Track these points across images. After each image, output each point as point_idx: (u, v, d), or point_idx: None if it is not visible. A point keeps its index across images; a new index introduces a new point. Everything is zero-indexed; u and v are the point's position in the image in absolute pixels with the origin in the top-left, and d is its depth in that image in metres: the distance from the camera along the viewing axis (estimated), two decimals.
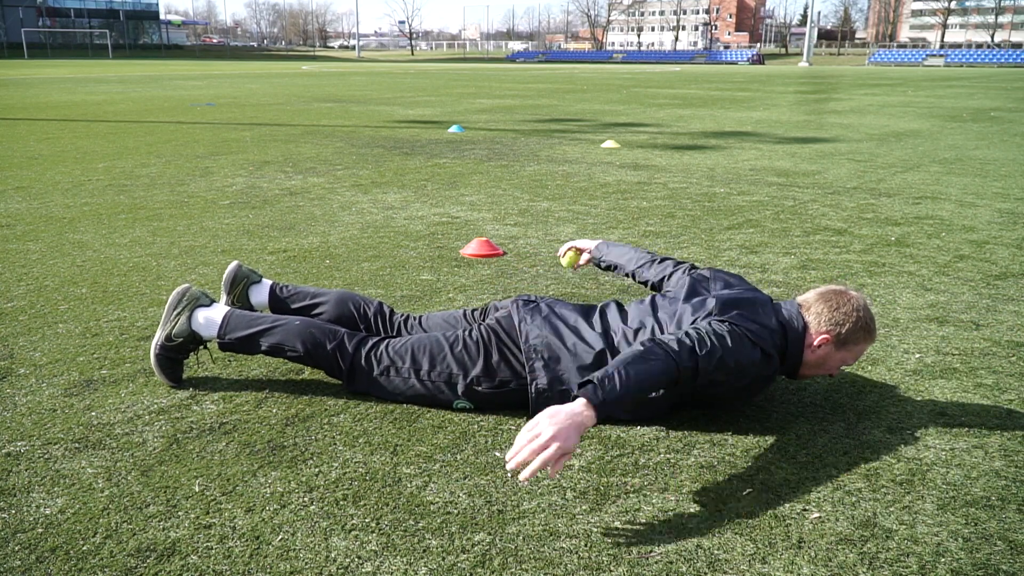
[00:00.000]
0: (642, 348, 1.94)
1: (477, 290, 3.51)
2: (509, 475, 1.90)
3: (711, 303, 2.22)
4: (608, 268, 2.81)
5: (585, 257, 2.87)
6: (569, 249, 2.91)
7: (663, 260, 2.66)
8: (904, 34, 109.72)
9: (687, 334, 2.03)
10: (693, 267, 2.58)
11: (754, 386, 2.22)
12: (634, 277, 2.71)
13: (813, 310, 2.25)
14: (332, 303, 2.64)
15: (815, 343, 2.22)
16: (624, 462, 2.05)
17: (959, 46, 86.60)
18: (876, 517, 1.83)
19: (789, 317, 2.25)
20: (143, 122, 11.03)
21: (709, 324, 2.09)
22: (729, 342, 2.03)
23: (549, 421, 1.73)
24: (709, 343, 2.01)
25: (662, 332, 2.22)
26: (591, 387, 1.81)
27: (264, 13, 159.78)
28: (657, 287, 2.61)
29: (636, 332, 2.26)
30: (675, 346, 1.96)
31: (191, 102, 15.02)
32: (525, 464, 1.71)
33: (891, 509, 1.86)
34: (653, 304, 2.35)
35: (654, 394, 1.98)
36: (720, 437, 2.19)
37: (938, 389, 2.51)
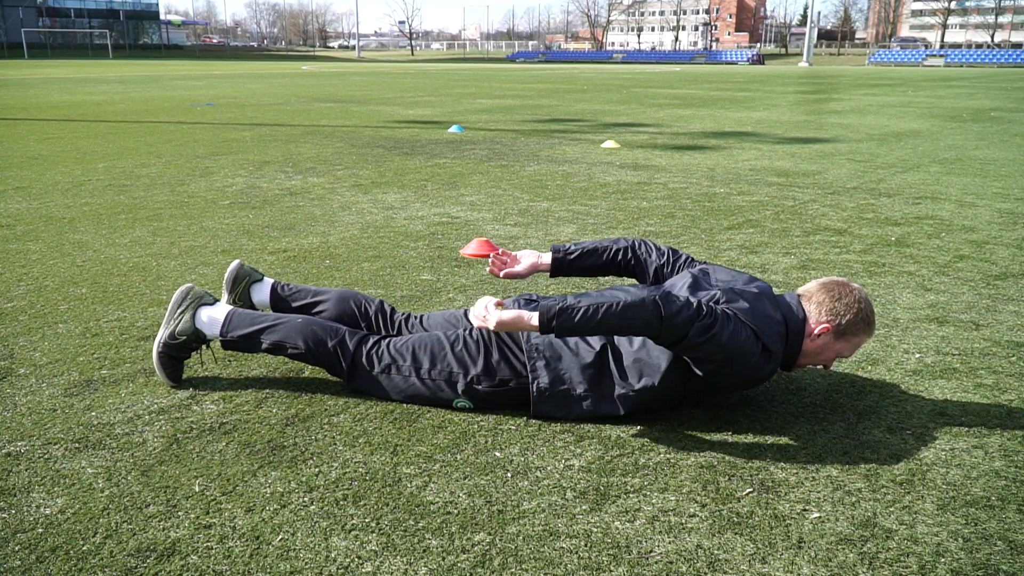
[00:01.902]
0: (637, 300, 1.98)
1: (477, 290, 3.51)
2: (509, 474, 1.88)
3: (717, 295, 2.21)
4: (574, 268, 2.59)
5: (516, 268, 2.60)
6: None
7: (650, 247, 2.55)
8: (904, 34, 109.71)
9: (700, 302, 2.04)
10: (691, 260, 2.54)
11: (751, 379, 2.20)
12: (613, 265, 2.56)
13: (815, 299, 2.26)
14: (333, 301, 2.64)
15: (815, 332, 2.22)
16: (624, 462, 2.05)
17: (959, 46, 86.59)
18: (876, 517, 1.83)
19: (789, 307, 2.26)
20: (143, 122, 11.04)
21: (722, 309, 2.09)
22: (731, 327, 2.04)
23: (496, 310, 2.10)
24: (711, 319, 2.01)
25: None
26: (552, 312, 1.99)
27: (264, 13, 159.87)
28: (654, 277, 2.53)
29: None
30: (674, 306, 1.98)
31: (191, 102, 15.03)
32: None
33: (891, 509, 1.86)
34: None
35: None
36: (720, 437, 2.19)
37: (938, 389, 2.51)
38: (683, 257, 2.54)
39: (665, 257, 2.53)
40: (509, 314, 2.08)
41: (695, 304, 2.02)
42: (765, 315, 2.16)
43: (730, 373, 2.11)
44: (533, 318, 2.03)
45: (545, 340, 2.25)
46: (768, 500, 1.89)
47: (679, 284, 2.38)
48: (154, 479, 1.93)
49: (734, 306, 2.14)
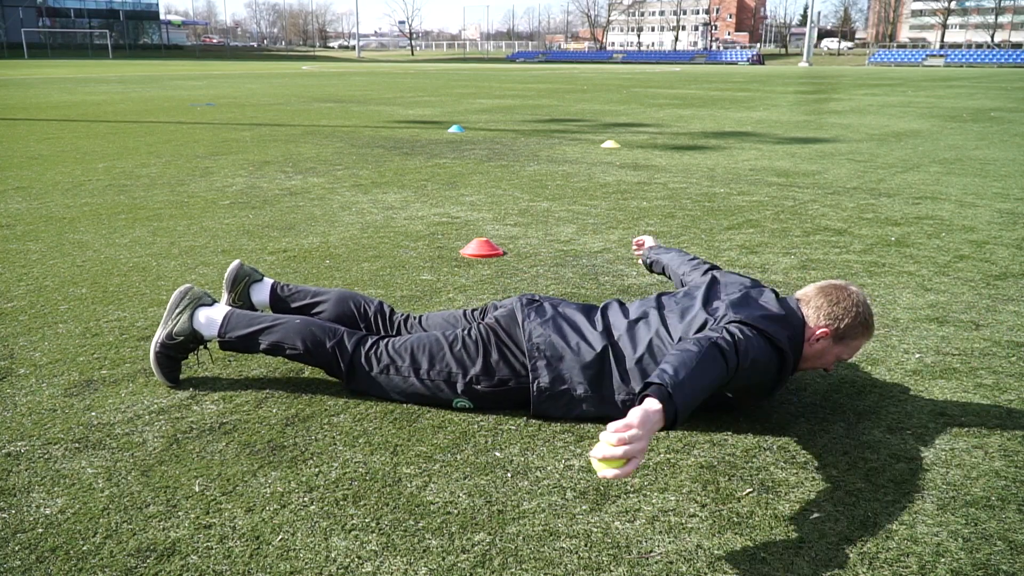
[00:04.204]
0: (697, 348, 1.87)
1: (477, 290, 3.51)
2: (509, 474, 1.88)
3: (723, 308, 2.21)
4: (654, 270, 2.99)
5: (639, 252, 3.10)
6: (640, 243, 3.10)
7: (700, 263, 2.74)
8: (904, 34, 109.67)
9: (729, 332, 2.01)
10: (714, 267, 2.66)
11: (769, 384, 2.18)
12: (676, 278, 2.79)
13: (812, 304, 2.25)
14: (332, 302, 2.65)
15: (814, 336, 2.22)
16: None
17: (959, 46, 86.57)
18: (876, 517, 1.83)
19: (790, 310, 2.25)
20: (143, 122, 11.04)
21: (736, 325, 2.07)
22: (754, 341, 2.04)
23: (641, 427, 1.58)
24: (743, 339, 2.00)
25: (667, 330, 2.22)
26: (664, 391, 1.69)
27: (264, 13, 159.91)
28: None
29: (636, 326, 2.25)
30: (725, 345, 1.93)
31: (191, 102, 15.03)
32: (609, 460, 1.55)
33: (891, 509, 1.86)
34: (658, 302, 2.34)
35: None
36: (720, 437, 2.19)
37: (938, 389, 2.51)
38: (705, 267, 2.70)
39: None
40: (634, 423, 1.60)
41: (729, 333, 2.01)
42: (770, 318, 2.16)
43: (755, 386, 2.14)
44: (656, 420, 1.65)
45: (546, 340, 2.25)
46: (768, 500, 1.89)
47: (692, 288, 2.44)
48: (154, 479, 1.93)
49: (744, 315, 2.13)
